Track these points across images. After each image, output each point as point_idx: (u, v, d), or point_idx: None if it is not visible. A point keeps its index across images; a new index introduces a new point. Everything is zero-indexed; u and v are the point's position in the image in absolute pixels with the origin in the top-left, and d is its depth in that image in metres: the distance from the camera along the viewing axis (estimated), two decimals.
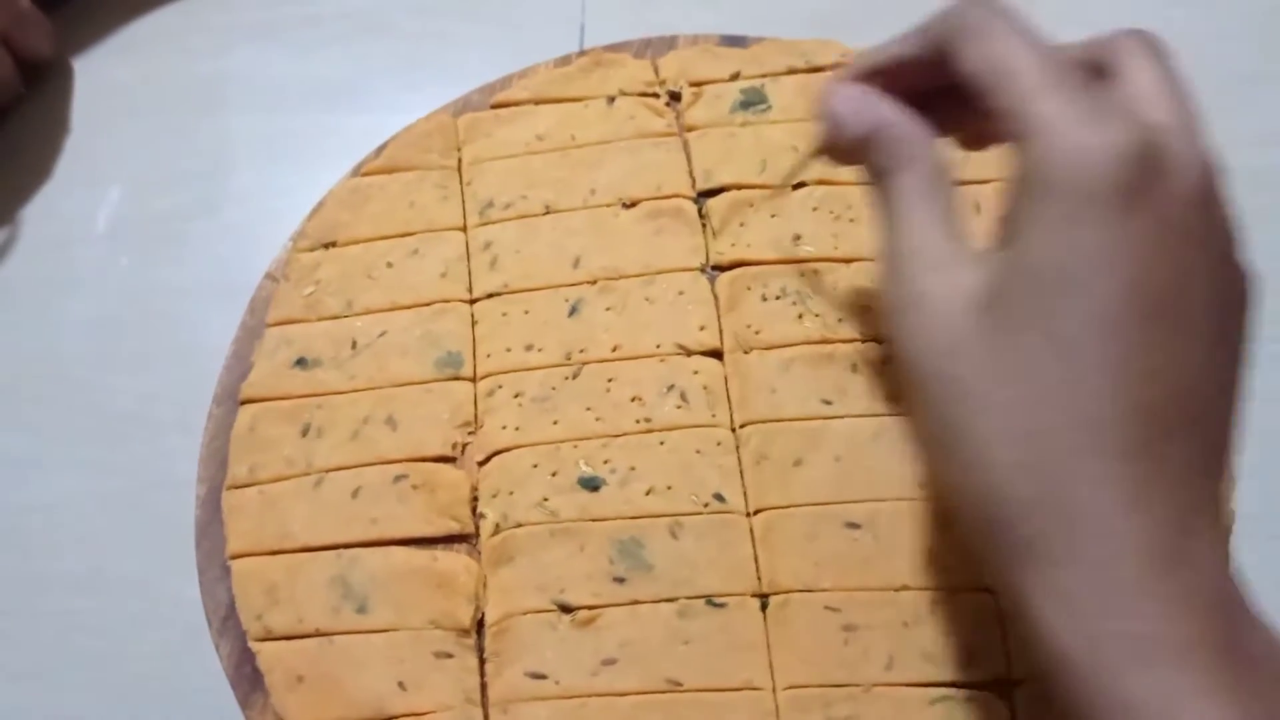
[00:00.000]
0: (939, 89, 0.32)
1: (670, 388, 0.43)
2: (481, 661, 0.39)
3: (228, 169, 0.55)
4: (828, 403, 0.42)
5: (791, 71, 0.50)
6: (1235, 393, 0.28)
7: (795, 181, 0.37)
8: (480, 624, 0.40)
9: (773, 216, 0.46)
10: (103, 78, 0.59)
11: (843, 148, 0.33)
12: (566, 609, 0.39)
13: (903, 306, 0.30)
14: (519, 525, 0.41)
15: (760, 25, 0.53)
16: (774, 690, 0.38)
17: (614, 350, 0.44)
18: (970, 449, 0.28)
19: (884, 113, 0.32)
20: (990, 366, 0.27)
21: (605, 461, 0.41)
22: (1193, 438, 0.27)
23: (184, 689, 0.42)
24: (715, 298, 0.44)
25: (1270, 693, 0.25)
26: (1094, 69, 0.30)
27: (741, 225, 0.46)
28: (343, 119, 0.56)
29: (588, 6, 0.59)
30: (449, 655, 0.39)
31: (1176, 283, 0.26)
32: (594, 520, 0.40)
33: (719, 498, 0.41)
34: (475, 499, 0.42)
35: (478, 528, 0.41)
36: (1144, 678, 0.25)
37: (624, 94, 0.49)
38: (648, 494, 0.41)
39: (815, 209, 0.46)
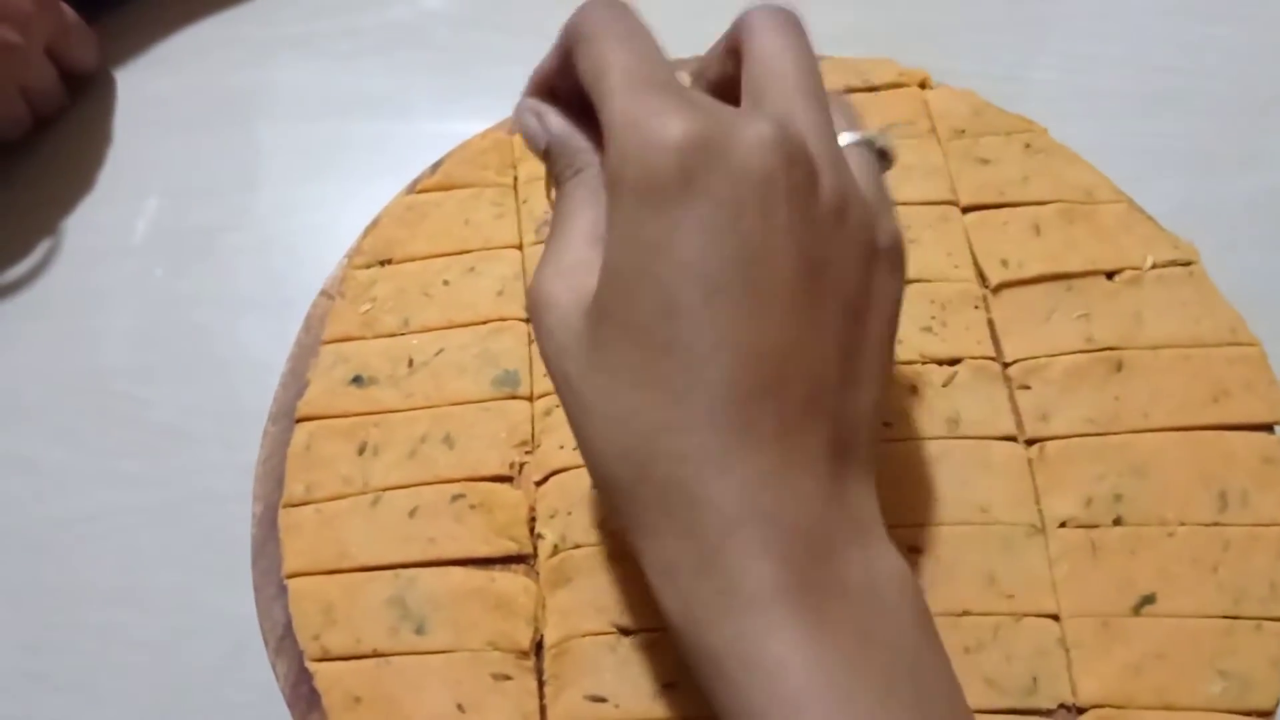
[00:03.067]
0: None
1: None
2: (541, 684, 0.39)
3: (267, 181, 0.55)
4: (887, 425, 0.42)
5: (849, 90, 0.50)
6: (837, 351, 0.29)
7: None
8: (539, 646, 0.39)
9: None
10: (144, 89, 0.59)
11: (543, 160, 0.34)
12: (626, 631, 0.39)
13: (536, 306, 0.31)
14: (577, 546, 0.40)
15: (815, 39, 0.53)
16: None
17: None
18: (583, 440, 0.30)
19: (552, 125, 0.33)
20: (588, 361, 0.29)
21: None
22: (779, 400, 0.27)
23: (226, 704, 0.42)
24: None
25: (845, 622, 0.27)
26: (735, 53, 0.31)
27: None
28: (382, 131, 0.56)
29: None
30: (508, 677, 0.39)
31: (739, 258, 0.27)
32: None
33: None
34: (533, 519, 0.41)
35: (536, 548, 0.41)
36: (725, 628, 0.27)
37: None
38: None
39: None
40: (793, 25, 0.31)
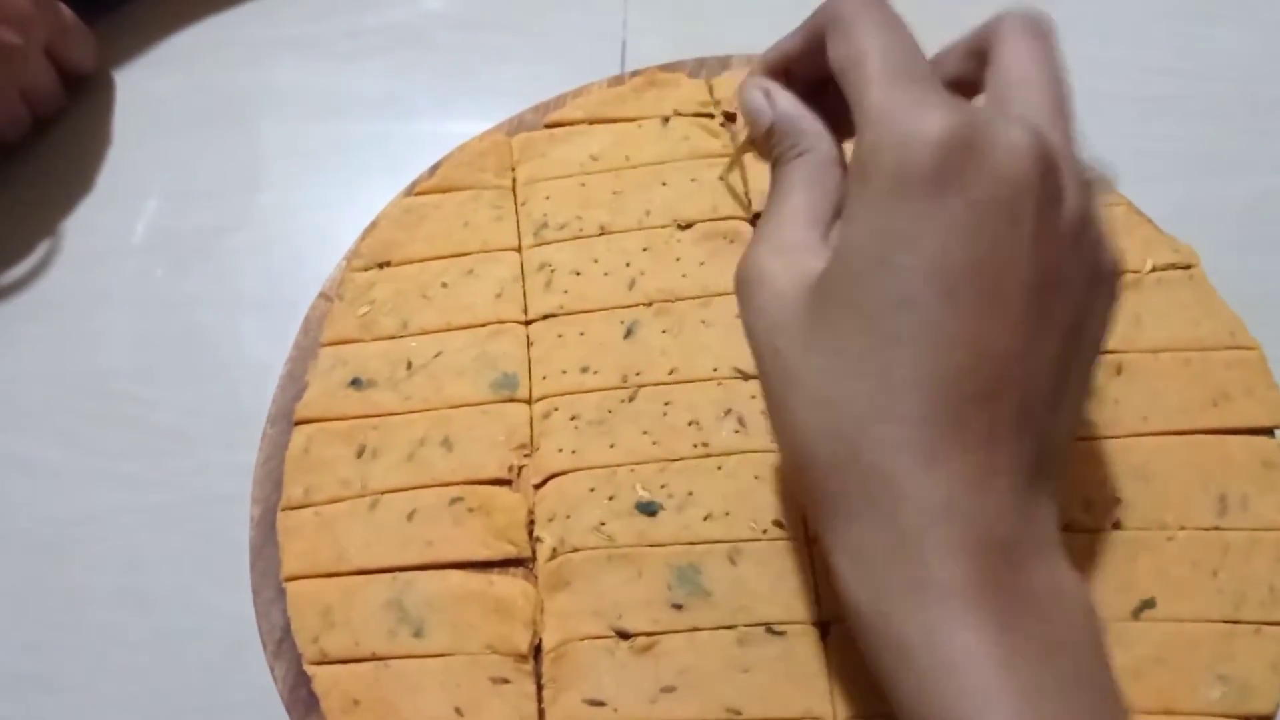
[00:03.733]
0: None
1: (727, 412, 0.42)
2: (539, 687, 0.39)
3: (267, 182, 0.56)
4: None
5: None
6: (1053, 367, 0.29)
7: (730, 173, 0.37)
8: (537, 649, 0.39)
9: None
10: (143, 90, 0.60)
11: (760, 140, 0.35)
12: (624, 635, 0.39)
13: (749, 281, 0.31)
14: (576, 550, 0.40)
15: None
16: None
17: (670, 373, 0.43)
18: (787, 416, 0.30)
19: (782, 105, 0.33)
20: (805, 340, 0.29)
21: (662, 486, 0.41)
22: (995, 406, 0.28)
23: (226, 704, 0.42)
24: None
25: (1033, 627, 0.27)
26: (979, 55, 0.32)
27: None
28: (383, 132, 0.56)
29: (629, 23, 0.59)
30: (506, 681, 0.39)
31: (982, 261, 0.27)
32: (651, 546, 0.40)
33: (778, 524, 0.40)
34: (532, 522, 0.41)
35: (534, 552, 0.41)
36: (916, 617, 0.27)
37: (679, 114, 0.49)
38: (705, 520, 0.40)
39: None
40: (1047, 34, 0.31)
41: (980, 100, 0.32)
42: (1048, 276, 0.28)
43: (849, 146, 0.31)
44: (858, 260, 0.28)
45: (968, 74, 0.32)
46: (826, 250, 0.30)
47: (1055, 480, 0.30)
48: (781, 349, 0.30)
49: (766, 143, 0.34)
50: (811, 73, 0.32)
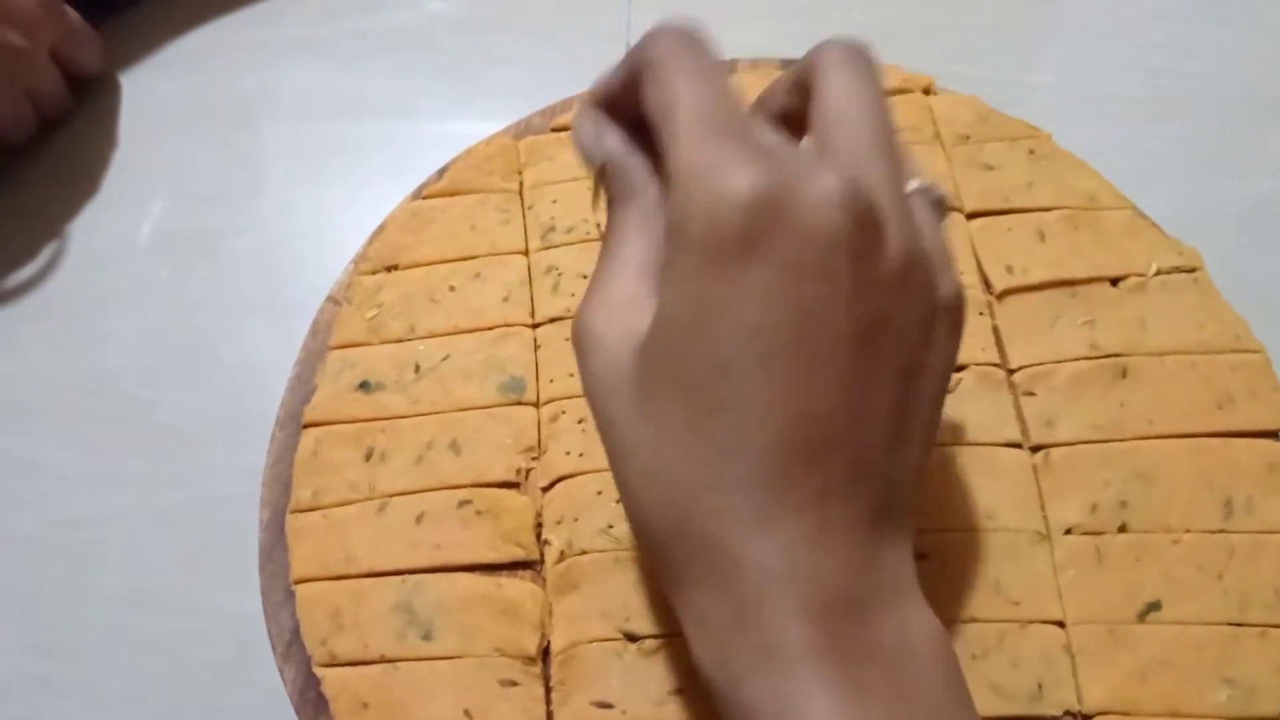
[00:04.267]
0: None
1: None
2: (547, 690, 0.39)
3: (272, 184, 0.56)
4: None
5: None
6: (888, 413, 0.28)
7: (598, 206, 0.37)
8: (546, 652, 0.39)
9: None
10: (149, 93, 0.60)
11: (596, 176, 0.34)
12: (632, 638, 0.39)
13: (581, 341, 0.31)
14: (583, 552, 0.40)
15: (804, 46, 0.53)
16: None
17: None
18: (623, 486, 0.30)
19: (609, 145, 0.32)
20: (634, 411, 0.29)
21: None
22: (824, 464, 0.27)
23: (233, 707, 0.42)
24: None
25: (881, 683, 0.27)
26: (803, 88, 0.30)
27: None
28: (387, 134, 0.56)
29: (633, 24, 0.59)
30: (515, 683, 0.39)
31: (797, 322, 0.26)
32: None
33: None
34: (539, 525, 0.41)
35: (542, 554, 0.41)
36: (762, 684, 0.27)
37: None
38: None
39: None
40: (865, 65, 0.30)
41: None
42: (872, 327, 0.27)
43: None
44: (674, 329, 0.27)
45: (794, 108, 0.31)
46: (654, 302, 0.29)
47: (904, 522, 0.30)
48: (614, 419, 0.29)
49: (602, 182, 0.33)
50: (637, 112, 0.31)
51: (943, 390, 0.31)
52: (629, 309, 0.30)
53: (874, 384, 0.28)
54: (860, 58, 0.30)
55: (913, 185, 0.30)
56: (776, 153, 0.27)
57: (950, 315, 0.30)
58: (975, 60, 0.55)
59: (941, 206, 0.32)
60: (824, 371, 0.27)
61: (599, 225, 0.47)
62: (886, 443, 0.29)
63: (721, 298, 0.26)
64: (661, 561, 0.29)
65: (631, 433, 0.29)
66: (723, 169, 0.26)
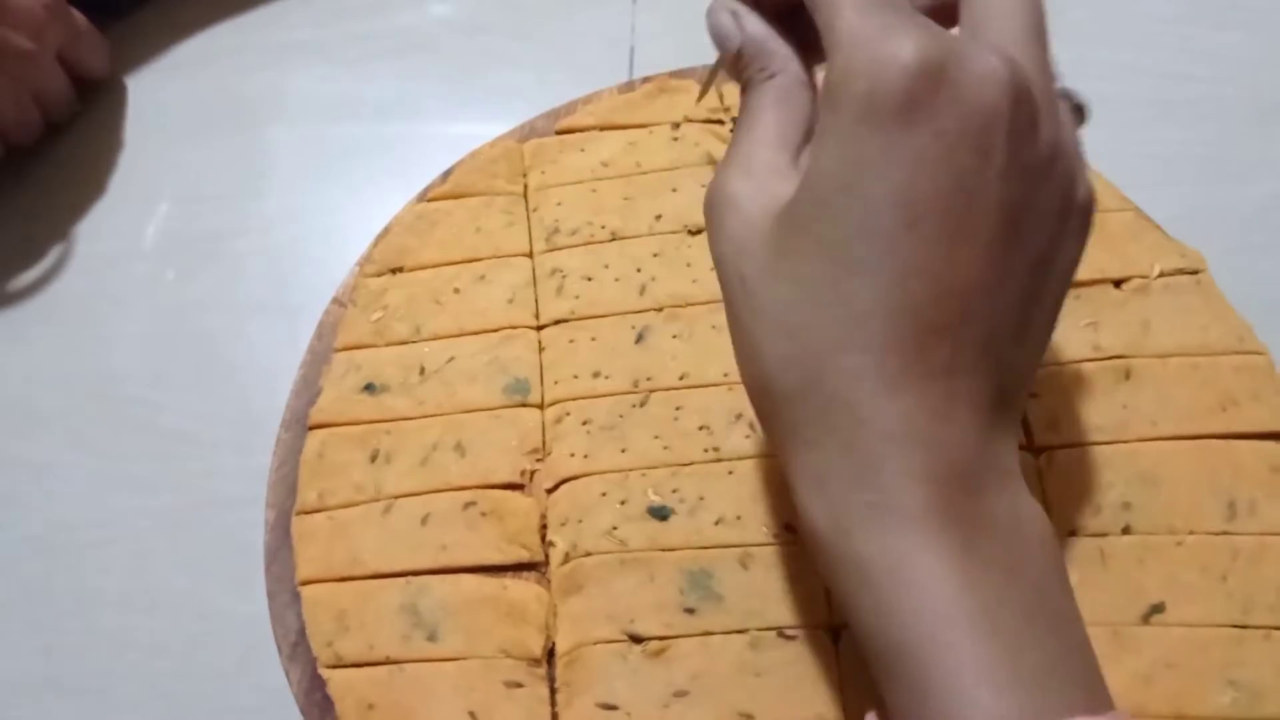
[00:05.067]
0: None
1: (738, 417, 0.43)
2: (552, 691, 0.39)
3: (277, 187, 0.56)
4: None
5: None
6: (1019, 300, 0.29)
7: (707, 92, 0.37)
8: (551, 653, 0.39)
9: None
10: (155, 95, 0.60)
11: (729, 63, 0.34)
12: (637, 639, 0.39)
13: (717, 206, 0.31)
14: (588, 554, 0.40)
15: None
16: None
17: (681, 378, 0.44)
18: (749, 342, 0.30)
19: (750, 28, 0.32)
20: (770, 267, 0.29)
21: (674, 490, 0.41)
22: (958, 337, 0.28)
23: (239, 708, 0.42)
24: None
25: (991, 551, 0.28)
26: None
27: None
28: (393, 137, 0.57)
29: (637, 28, 0.59)
30: (520, 685, 0.39)
31: (949, 192, 0.27)
32: (663, 550, 0.40)
33: (789, 529, 0.40)
34: (544, 527, 0.42)
35: (547, 556, 0.41)
36: (876, 539, 0.28)
37: (689, 121, 0.50)
38: (717, 524, 0.41)
39: None
40: None
41: (956, 31, 0.31)
42: (1016, 209, 0.28)
43: (821, 72, 0.30)
44: (824, 188, 0.28)
45: (941, 3, 0.32)
46: (796, 174, 0.30)
47: (1017, 411, 0.31)
48: (747, 275, 0.30)
49: (735, 66, 0.33)
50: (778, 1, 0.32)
51: (1064, 291, 0.31)
52: (770, 175, 0.30)
53: (1011, 267, 0.28)
54: None
55: (1058, 86, 0.31)
56: (941, 30, 0.28)
57: (1082, 215, 0.31)
58: None
59: (1081, 112, 0.32)
60: (968, 246, 0.27)
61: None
62: (1014, 328, 0.29)
63: (877, 159, 0.27)
64: (780, 419, 0.30)
65: (765, 289, 0.29)
66: (889, 35, 0.27)
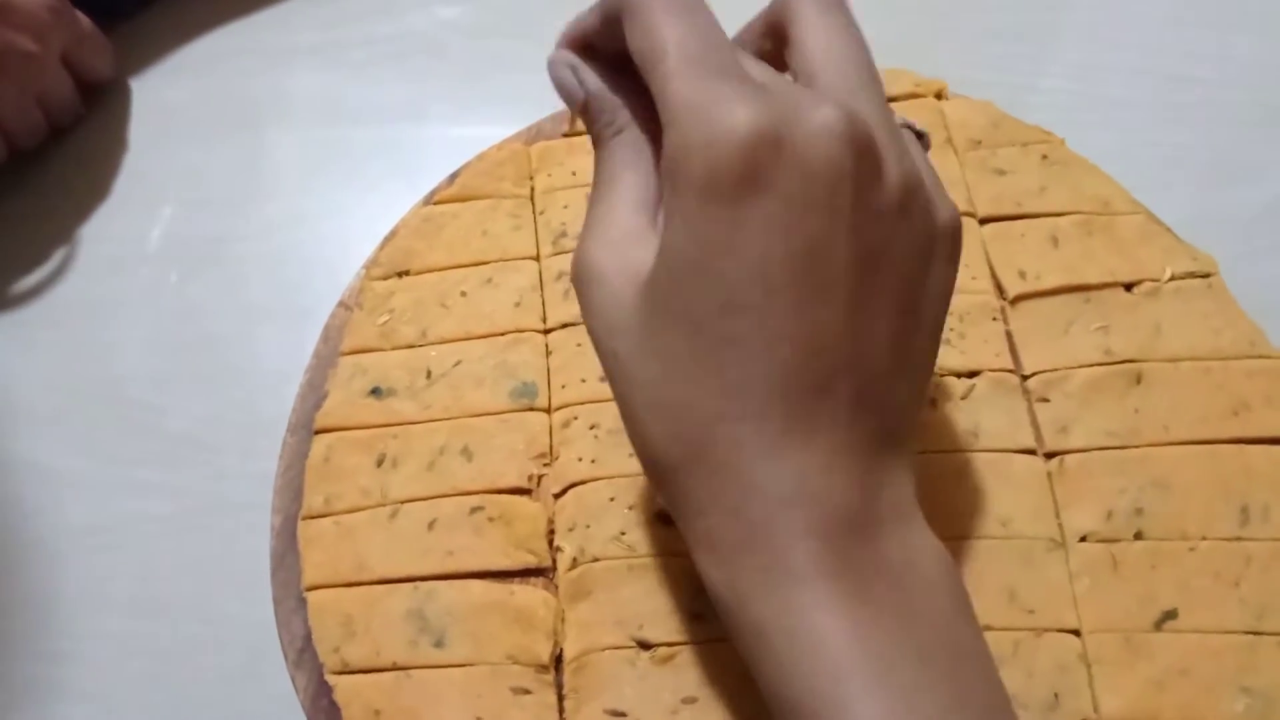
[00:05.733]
0: None
1: None
2: (560, 698, 0.39)
3: (282, 190, 0.56)
4: (934, 402, 0.42)
5: None
6: (890, 342, 0.29)
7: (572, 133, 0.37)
8: (559, 659, 0.39)
9: None
10: (160, 98, 0.60)
11: (579, 114, 0.34)
12: (645, 645, 0.39)
13: (583, 279, 0.31)
14: (596, 559, 0.40)
15: None
16: None
17: None
18: (631, 417, 0.30)
19: (590, 84, 0.32)
20: (641, 345, 0.29)
21: None
22: (833, 392, 0.28)
23: (244, 714, 0.42)
24: None
25: (886, 598, 0.28)
26: (776, 33, 0.31)
27: None
28: (398, 140, 0.56)
29: None
30: (527, 691, 0.39)
31: (803, 255, 0.27)
32: (672, 555, 0.40)
33: None
34: (552, 532, 0.41)
35: (555, 561, 0.41)
36: (770, 603, 0.28)
37: None
38: None
39: None
40: (839, 4, 0.30)
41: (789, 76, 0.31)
42: (874, 256, 0.28)
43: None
44: (679, 266, 0.28)
45: (766, 54, 0.31)
46: (655, 237, 0.29)
47: (907, 447, 0.31)
48: (620, 353, 0.30)
49: (584, 119, 0.33)
50: (615, 48, 0.31)
51: (942, 317, 0.31)
52: (629, 244, 0.30)
53: (876, 312, 0.28)
54: (832, 3, 0.30)
55: (899, 119, 0.31)
56: (771, 87, 0.27)
57: (948, 241, 0.31)
58: (986, 65, 0.54)
59: (924, 139, 0.33)
60: (829, 303, 0.27)
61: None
62: (889, 370, 0.29)
63: (726, 234, 0.27)
64: (670, 490, 0.30)
65: (639, 368, 0.29)
66: (719, 106, 0.26)
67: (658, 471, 0.30)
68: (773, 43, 0.31)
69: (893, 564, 0.28)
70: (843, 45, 0.29)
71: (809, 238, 0.27)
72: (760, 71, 0.29)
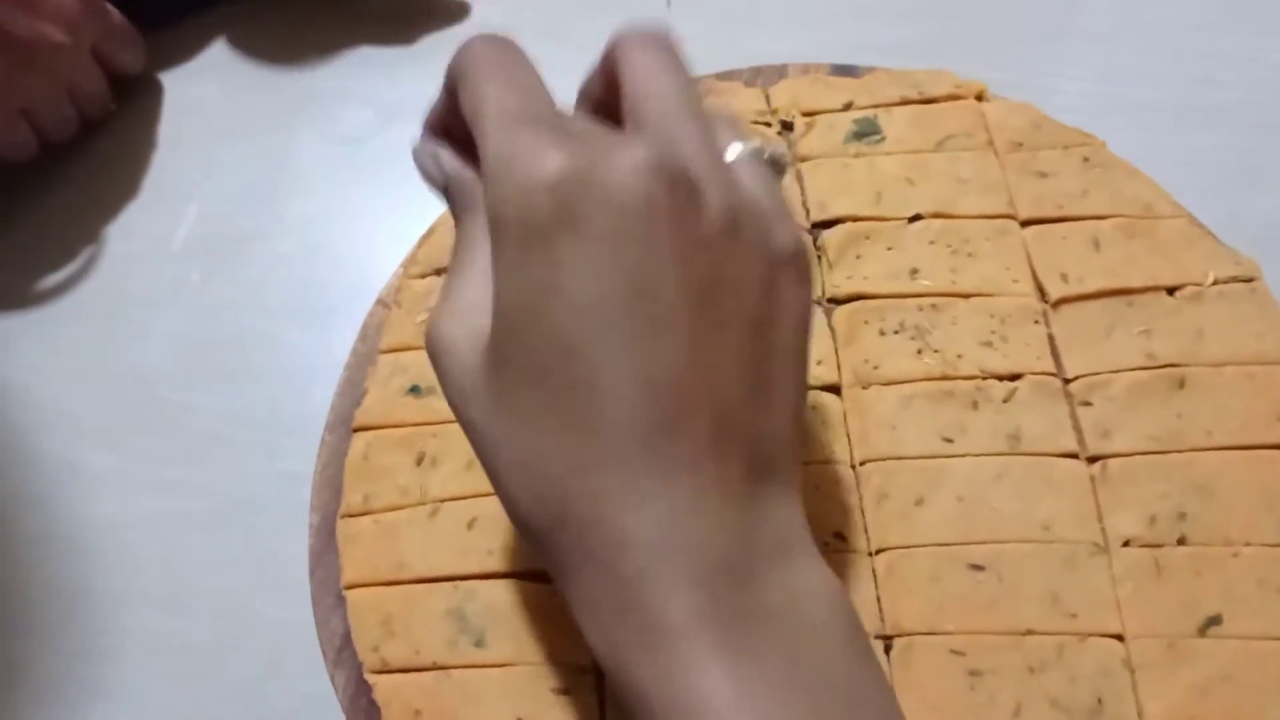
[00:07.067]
0: None
1: None
2: (601, 699, 0.38)
3: (309, 188, 0.55)
4: (949, 440, 0.42)
5: (905, 102, 0.49)
6: (744, 368, 0.28)
7: None
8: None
9: (889, 250, 0.45)
10: (190, 95, 0.60)
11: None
12: None
13: (435, 353, 0.31)
14: None
15: (852, 51, 0.53)
16: None
17: None
18: (496, 484, 0.30)
19: (448, 166, 0.32)
20: (491, 407, 0.29)
21: None
22: (688, 427, 0.27)
23: (272, 712, 0.42)
24: (832, 331, 0.44)
25: (769, 646, 0.27)
26: (610, 78, 0.31)
27: (858, 258, 0.45)
28: None
29: (671, 28, 0.58)
30: (567, 692, 0.38)
31: (626, 290, 0.26)
32: None
33: (839, 536, 0.40)
34: None
35: None
36: (650, 665, 0.26)
37: None
38: None
39: (932, 242, 0.45)
40: (664, 43, 0.30)
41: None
42: (705, 284, 0.27)
43: None
44: (512, 316, 0.27)
45: (606, 97, 0.31)
46: None
47: (786, 477, 0.30)
48: (475, 420, 0.29)
49: (447, 203, 0.33)
50: (465, 129, 0.31)
51: (802, 339, 0.31)
52: (477, 313, 0.29)
53: (721, 342, 0.28)
54: (656, 39, 0.30)
55: (740, 147, 0.30)
56: (584, 134, 0.28)
57: (794, 266, 0.30)
58: (1013, 68, 0.54)
59: (778, 164, 0.32)
60: (666, 336, 0.27)
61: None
62: (749, 399, 0.28)
63: (550, 277, 0.26)
64: (546, 554, 0.29)
65: (493, 430, 0.29)
66: (530, 154, 0.26)
67: (530, 536, 0.29)
68: (607, 89, 0.31)
69: (776, 607, 0.27)
70: (664, 82, 0.29)
71: (631, 270, 0.26)
72: (579, 124, 0.29)
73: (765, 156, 0.31)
